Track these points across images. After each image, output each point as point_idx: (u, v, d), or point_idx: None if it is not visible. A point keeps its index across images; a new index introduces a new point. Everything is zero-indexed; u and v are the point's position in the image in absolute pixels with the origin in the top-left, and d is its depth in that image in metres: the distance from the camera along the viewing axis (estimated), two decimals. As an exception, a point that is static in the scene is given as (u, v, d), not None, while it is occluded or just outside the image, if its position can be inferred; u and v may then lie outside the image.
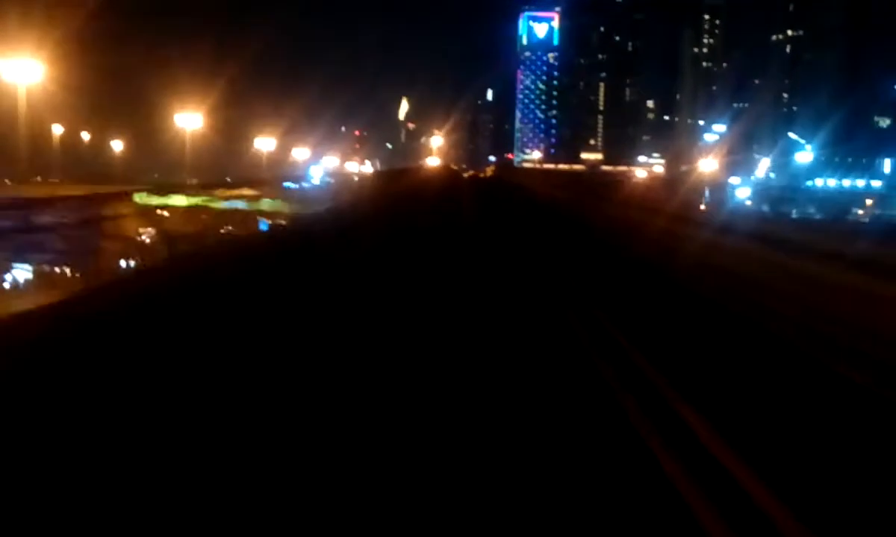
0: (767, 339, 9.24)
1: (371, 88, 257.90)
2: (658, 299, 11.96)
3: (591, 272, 14.79)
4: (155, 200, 52.67)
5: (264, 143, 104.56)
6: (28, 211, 36.00)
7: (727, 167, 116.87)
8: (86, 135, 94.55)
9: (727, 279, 11.98)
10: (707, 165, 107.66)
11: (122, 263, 45.37)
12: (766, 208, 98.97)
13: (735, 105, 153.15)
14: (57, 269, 36.76)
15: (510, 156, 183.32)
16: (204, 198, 56.23)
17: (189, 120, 78.02)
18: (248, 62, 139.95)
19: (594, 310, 10.56)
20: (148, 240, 51.18)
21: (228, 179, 73.57)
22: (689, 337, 9.36)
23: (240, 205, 60.34)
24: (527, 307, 10.96)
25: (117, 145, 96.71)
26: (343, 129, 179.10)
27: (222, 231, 51.76)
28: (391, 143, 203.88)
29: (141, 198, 52.51)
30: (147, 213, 52.39)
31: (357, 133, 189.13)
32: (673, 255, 14.73)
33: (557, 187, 48.57)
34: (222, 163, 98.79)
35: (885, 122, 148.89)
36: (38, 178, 56.09)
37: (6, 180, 57.04)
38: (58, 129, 76.59)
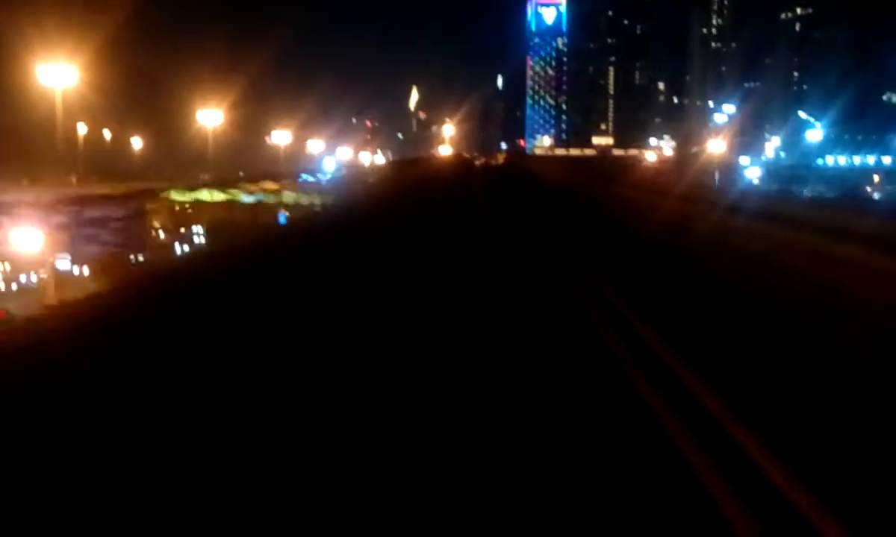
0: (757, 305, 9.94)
1: (382, 79, 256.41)
2: (661, 275, 12.83)
3: (598, 250, 15.73)
4: (187, 196, 55.17)
5: (280, 137, 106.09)
6: (82, 206, 38.58)
7: (736, 147, 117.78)
8: (108, 134, 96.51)
9: (730, 255, 12.08)
10: (716, 146, 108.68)
11: (177, 249, 49.11)
12: (775, 187, 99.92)
13: (745, 85, 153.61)
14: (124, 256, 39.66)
15: (522, 142, 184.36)
16: (231, 192, 58.55)
17: (210, 117, 79.97)
18: (263, 58, 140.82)
19: (601, 284, 11.74)
20: (188, 231, 54.64)
21: (241, 174, 75.48)
22: (688, 304, 10.46)
23: (263, 198, 62.71)
24: (537, 284, 12.19)
25: (138, 143, 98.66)
26: (354, 120, 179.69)
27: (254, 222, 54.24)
28: (402, 133, 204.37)
29: (175, 194, 55.07)
30: (183, 207, 55.28)
31: (369, 123, 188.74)
32: (678, 235, 14.98)
33: (567, 172, 48.53)
34: (242, 158, 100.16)
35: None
36: (74, 178, 58.29)
37: (72, 179, 59.34)
38: (82, 129, 78.56)
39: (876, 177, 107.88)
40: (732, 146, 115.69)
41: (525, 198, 33.50)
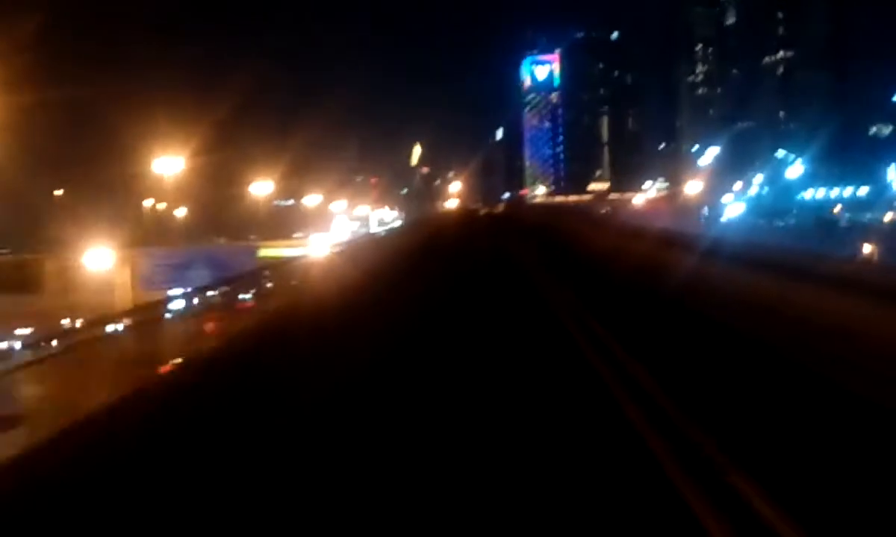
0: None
1: (382, 135, 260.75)
2: (629, 303, 14.47)
3: (574, 284, 18.50)
4: (272, 252, 61.31)
5: (311, 199, 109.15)
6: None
7: (717, 187, 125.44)
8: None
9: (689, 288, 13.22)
10: (693, 187, 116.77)
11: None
12: (761, 221, 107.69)
13: (731, 127, 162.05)
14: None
15: (524, 191, 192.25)
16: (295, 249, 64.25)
17: (262, 187, 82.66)
18: (269, 115, 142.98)
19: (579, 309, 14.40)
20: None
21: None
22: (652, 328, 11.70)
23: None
24: (518, 309, 15.59)
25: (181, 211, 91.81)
26: (360, 179, 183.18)
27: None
28: (407, 187, 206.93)
29: (264, 251, 62.15)
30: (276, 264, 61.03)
31: (373, 181, 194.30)
32: (618, 259, 19.25)
33: (560, 217, 53.96)
34: (281, 217, 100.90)
35: (885, 130, 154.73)
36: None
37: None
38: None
39: (837, 208, 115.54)
40: (712, 186, 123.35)
41: (515, 240, 40.26)
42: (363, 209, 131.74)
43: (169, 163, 69.27)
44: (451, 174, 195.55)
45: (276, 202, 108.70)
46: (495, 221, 64.22)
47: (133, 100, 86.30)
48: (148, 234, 76.47)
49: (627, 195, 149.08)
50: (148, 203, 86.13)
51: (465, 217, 73.07)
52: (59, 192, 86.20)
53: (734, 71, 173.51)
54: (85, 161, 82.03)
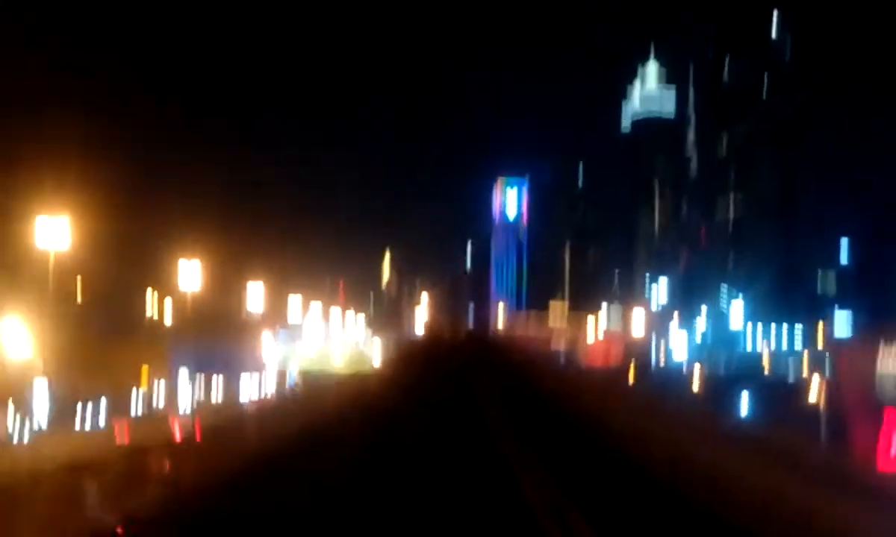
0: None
1: (353, 242, 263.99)
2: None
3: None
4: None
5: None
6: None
7: (658, 326, 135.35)
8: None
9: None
10: (638, 319, 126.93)
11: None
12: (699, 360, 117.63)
13: (683, 267, 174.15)
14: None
15: (492, 315, 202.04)
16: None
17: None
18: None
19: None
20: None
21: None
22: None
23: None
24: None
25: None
26: (328, 281, 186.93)
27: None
28: (375, 295, 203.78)
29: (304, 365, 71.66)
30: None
31: (340, 285, 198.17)
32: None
33: (512, 351, 63.62)
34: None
35: (830, 276, 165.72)
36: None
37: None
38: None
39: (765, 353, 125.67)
40: (653, 325, 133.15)
41: (472, 369, 49.70)
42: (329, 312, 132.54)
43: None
44: (417, 283, 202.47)
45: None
46: (460, 354, 72.83)
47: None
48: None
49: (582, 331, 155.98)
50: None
51: (433, 348, 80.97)
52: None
53: (689, 210, 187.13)
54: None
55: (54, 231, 50.24)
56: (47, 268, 51.97)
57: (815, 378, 63.65)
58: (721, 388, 77.50)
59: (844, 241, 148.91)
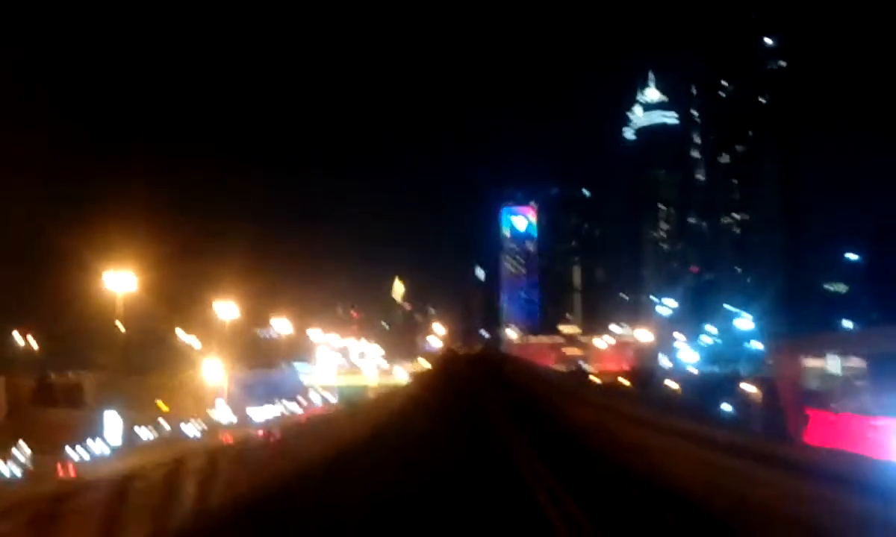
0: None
1: (365, 270, 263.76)
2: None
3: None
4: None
5: (282, 326, 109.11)
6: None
7: (669, 337, 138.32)
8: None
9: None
10: (643, 336, 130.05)
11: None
12: (712, 367, 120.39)
13: (691, 280, 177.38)
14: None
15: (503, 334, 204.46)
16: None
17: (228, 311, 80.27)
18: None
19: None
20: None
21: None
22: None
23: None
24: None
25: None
26: (341, 310, 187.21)
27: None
28: (388, 322, 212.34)
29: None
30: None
31: (354, 315, 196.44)
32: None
33: (522, 361, 66.10)
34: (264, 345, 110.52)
35: (838, 288, 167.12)
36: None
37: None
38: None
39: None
40: (664, 336, 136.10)
41: (481, 385, 52.53)
42: (344, 341, 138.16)
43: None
44: (431, 311, 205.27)
45: (259, 331, 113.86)
46: (473, 366, 75.79)
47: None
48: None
49: (594, 341, 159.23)
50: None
51: (446, 362, 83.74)
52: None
53: (694, 228, 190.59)
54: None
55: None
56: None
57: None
58: (697, 388, 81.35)
59: (849, 255, 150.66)
